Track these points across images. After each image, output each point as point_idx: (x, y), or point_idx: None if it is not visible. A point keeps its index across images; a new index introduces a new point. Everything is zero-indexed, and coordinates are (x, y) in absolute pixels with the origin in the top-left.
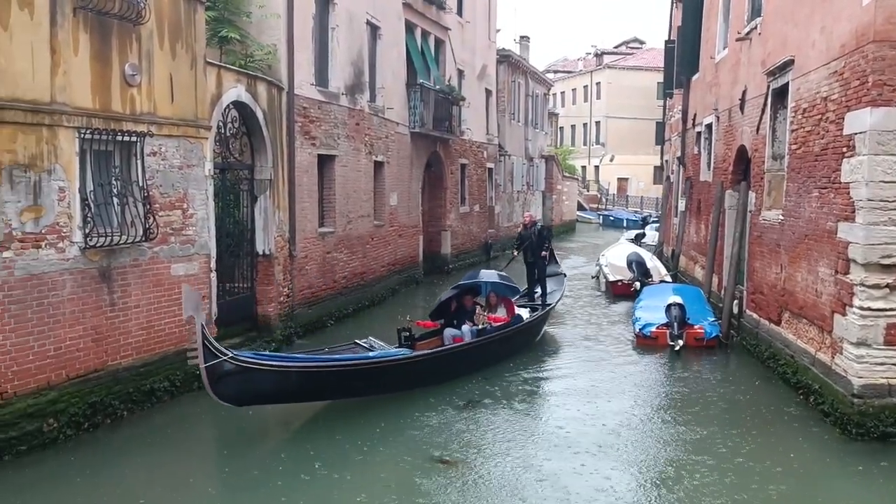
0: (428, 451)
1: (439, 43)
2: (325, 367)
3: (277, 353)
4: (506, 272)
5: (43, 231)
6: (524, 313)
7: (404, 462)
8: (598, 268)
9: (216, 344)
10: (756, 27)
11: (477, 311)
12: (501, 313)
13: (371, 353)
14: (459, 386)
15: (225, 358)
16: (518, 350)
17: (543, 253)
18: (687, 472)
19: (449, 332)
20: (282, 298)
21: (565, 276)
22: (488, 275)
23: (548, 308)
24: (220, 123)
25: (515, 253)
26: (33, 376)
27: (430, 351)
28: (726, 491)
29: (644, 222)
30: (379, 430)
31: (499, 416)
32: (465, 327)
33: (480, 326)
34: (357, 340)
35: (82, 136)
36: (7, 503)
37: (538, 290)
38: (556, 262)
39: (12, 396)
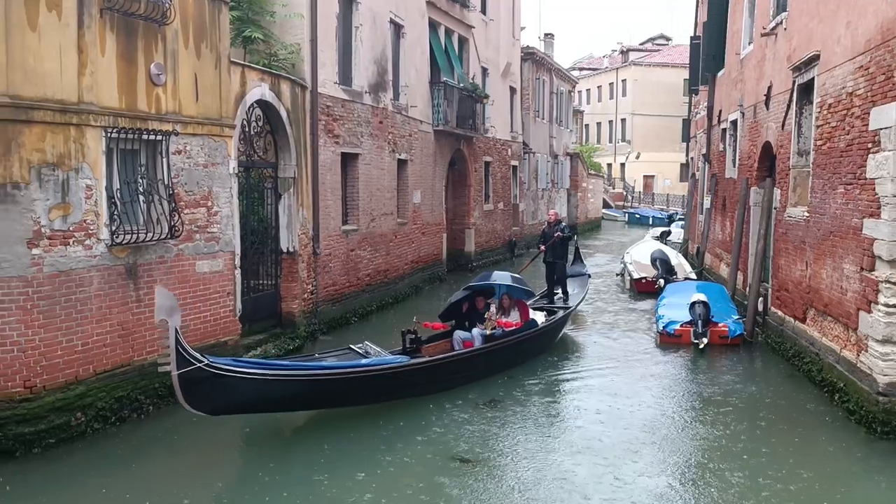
0: (449, 450)
1: (463, 41)
2: (308, 376)
3: (258, 360)
4: (528, 271)
5: (71, 228)
6: (540, 317)
7: (425, 462)
8: (622, 265)
9: (190, 350)
10: (781, 22)
11: (489, 313)
12: (515, 317)
13: (364, 361)
14: (481, 385)
15: (200, 364)
16: (531, 356)
17: (568, 257)
18: (711, 473)
19: (459, 334)
20: (306, 295)
21: (589, 276)
22: (502, 276)
23: (567, 311)
24: (245, 122)
25: (542, 248)
26: (62, 371)
27: (429, 359)
28: (751, 491)
29: (670, 220)
30: (399, 427)
31: (520, 415)
32: (476, 330)
33: (489, 332)
34: (352, 345)
35: (109, 135)
36: (36, 495)
37: (558, 290)
38: (582, 262)
39: (41, 390)
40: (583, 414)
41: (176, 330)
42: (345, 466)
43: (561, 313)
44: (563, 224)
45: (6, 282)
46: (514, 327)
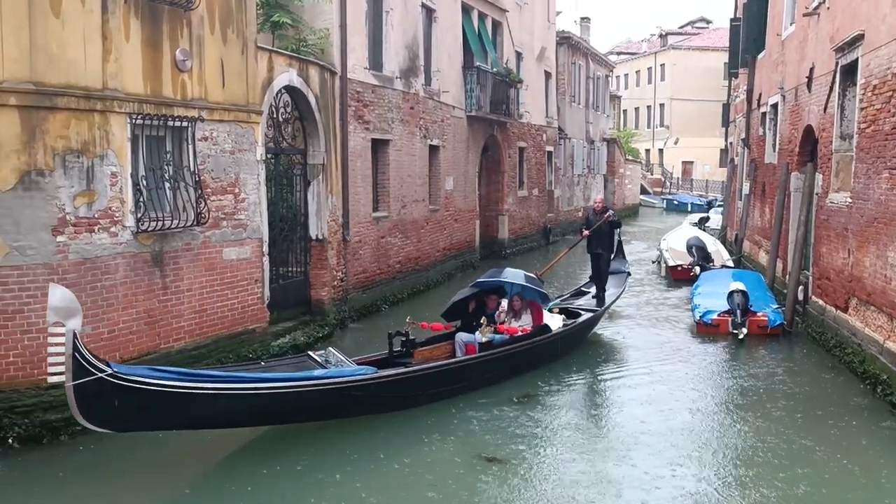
0: (477, 448)
1: (497, 25)
2: (238, 390)
3: (179, 369)
4: (562, 263)
5: (96, 215)
6: (557, 321)
7: (452, 460)
8: (658, 252)
9: (91, 357)
10: (824, 1)
11: (498, 312)
12: (526, 320)
13: (315, 372)
14: (512, 380)
15: (101, 375)
16: (541, 364)
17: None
18: (750, 470)
19: (461, 337)
20: (335, 283)
21: (629, 274)
22: (513, 274)
23: (593, 315)
24: (272, 108)
25: (585, 232)
26: None
27: (398, 372)
28: (792, 488)
29: (709, 206)
30: (426, 425)
31: (552, 411)
32: (465, 336)
33: (485, 339)
34: (312, 353)
35: (134, 121)
36: (60, 482)
37: (595, 287)
38: (624, 258)
39: None
40: (618, 410)
41: (74, 334)
42: (373, 461)
43: (585, 317)
44: (611, 212)
45: (31, 269)
46: (518, 333)
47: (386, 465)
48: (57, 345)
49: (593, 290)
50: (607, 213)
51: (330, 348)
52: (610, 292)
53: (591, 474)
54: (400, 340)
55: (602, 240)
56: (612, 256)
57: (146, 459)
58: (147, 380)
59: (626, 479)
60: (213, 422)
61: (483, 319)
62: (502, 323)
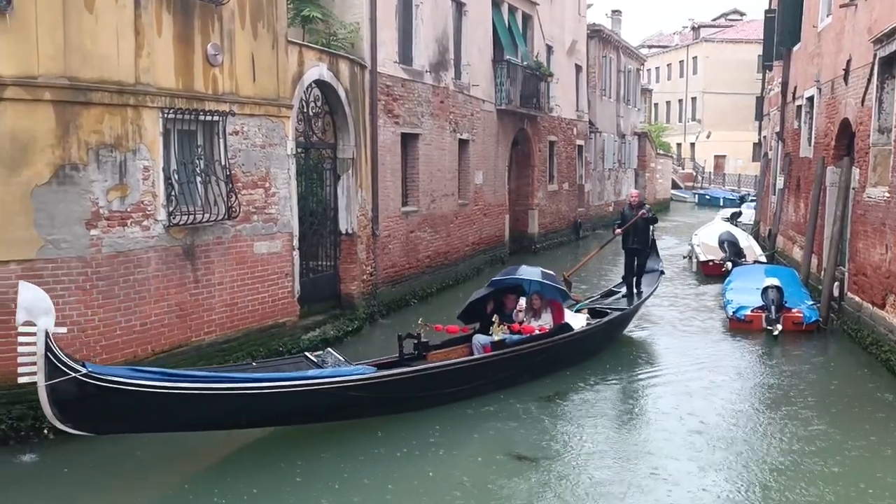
0: (506, 446)
1: (527, 18)
2: (219, 390)
3: (162, 370)
4: (596, 258)
5: (128, 209)
6: (580, 320)
7: (480, 458)
8: (689, 247)
9: (65, 357)
10: None
11: (518, 307)
12: (546, 320)
13: (309, 372)
14: (540, 380)
15: (76, 375)
16: (564, 365)
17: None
18: (790, 476)
19: (479, 339)
20: (364, 277)
21: (662, 273)
22: (529, 272)
23: (621, 313)
24: (303, 102)
25: (618, 231)
26: (120, 350)
27: (396, 372)
28: (828, 487)
29: (741, 201)
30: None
31: (582, 409)
32: (480, 337)
33: (497, 338)
34: (308, 353)
35: (166, 115)
36: (101, 464)
37: (626, 284)
38: (657, 256)
39: None
40: (651, 408)
41: (47, 334)
42: (401, 458)
43: (611, 316)
44: (647, 207)
45: (66, 262)
46: (535, 332)
47: (408, 463)
48: (27, 344)
49: (624, 289)
50: (643, 209)
51: (329, 349)
52: (642, 291)
53: (621, 474)
54: (412, 343)
55: (638, 235)
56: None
57: (144, 459)
58: (124, 380)
59: (656, 479)
60: (196, 424)
61: (495, 318)
62: (521, 322)
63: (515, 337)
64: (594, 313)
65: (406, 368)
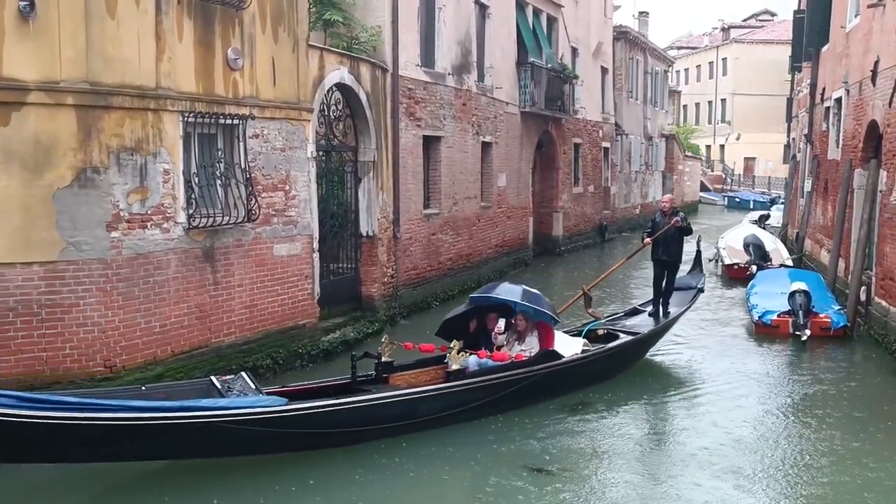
0: (525, 459)
1: (552, 20)
2: (96, 420)
3: (36, 396)
4: (624, 268)
5: (149, 212)
6: (576, 346)
7: (499, 471)
8: (715, 250)
9: None
10: None
11: (497, 329)
12: (531, 344)
13: (202, 402)
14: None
15: None
16: (546, 398)
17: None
18: (816, 485)
19: (473, 361)
20: (385, 279)
21: (700, 290)
22: (508, 290)
23: (634, 338)
24: (324, 105)
25: (647, 240)
26: (140, 351)
27: (308, 406)
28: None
29: (772, 203)
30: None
31: (605, 420)
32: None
33: (455, 367)
34: (214, 377)
35: (186, 119)
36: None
37: (654, 301)
38: (701, 271)
39: (121, 370)
40: (676, 419)
41: None
42: (421, 468)
43: (620, 342)
44: (682, 215)
45: (87, 264)
46: (508, 360)
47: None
48: None
49: (650, 308)
50: (676, 217)
51: (242, 373)
52: (671, 311)
53: (642, 490)
54: (374, 363)
55: (669, 245)
56: (690, 269)
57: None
58: None
59: (678, 495)
60: (76, 454)
61: (454, 343)
62: (500, 346)
63: (489, 364)
64: (609, 336)
65: (321, 402)
